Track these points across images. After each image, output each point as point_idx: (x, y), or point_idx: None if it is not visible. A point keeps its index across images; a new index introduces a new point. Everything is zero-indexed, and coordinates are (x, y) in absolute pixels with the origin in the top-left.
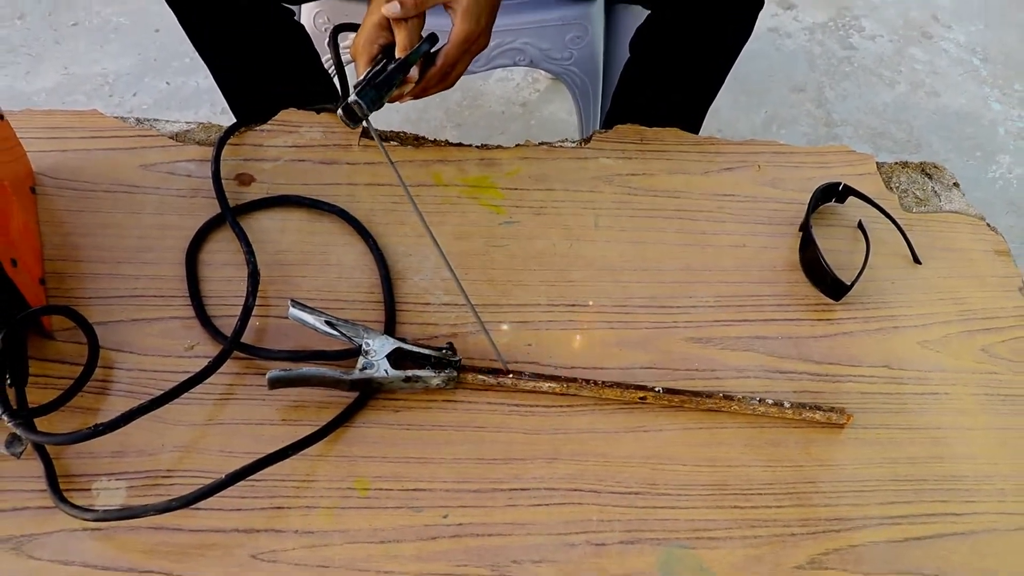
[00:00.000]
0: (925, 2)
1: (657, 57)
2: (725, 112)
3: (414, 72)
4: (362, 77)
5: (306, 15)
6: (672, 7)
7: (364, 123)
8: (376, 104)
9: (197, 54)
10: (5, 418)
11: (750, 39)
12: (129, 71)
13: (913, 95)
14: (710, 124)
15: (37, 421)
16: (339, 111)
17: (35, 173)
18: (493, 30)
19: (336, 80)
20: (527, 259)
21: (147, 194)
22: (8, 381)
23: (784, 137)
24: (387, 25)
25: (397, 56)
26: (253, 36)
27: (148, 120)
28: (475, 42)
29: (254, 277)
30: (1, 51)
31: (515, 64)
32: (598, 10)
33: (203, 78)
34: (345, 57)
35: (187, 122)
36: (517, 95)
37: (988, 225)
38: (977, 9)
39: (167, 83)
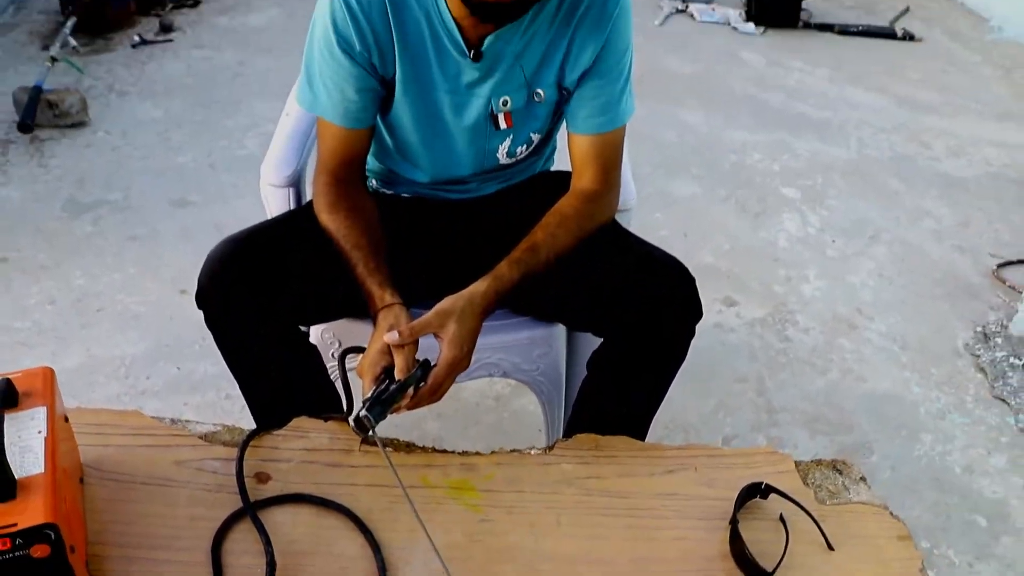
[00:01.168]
0: (850, 298)
1: (609, 377)
2: (677, 401)
3: (410, 390)
4: (369, 395)
5: (315, 332)
6: (620, 338)
7: (370, 433)
8: (381, 417)
9: (207, 343)
10: None
11: (698, 335)
12: (145, 355)
13: (843, 381)
14: (664, 414)
15: None
16: (351, 422)
17: (82, 465)
18: None
19: (342, 392)
20: (501, 552)
21: (179, 488)
22: None
23: (730, 424)
24: (388, 351)
25: (397, 377)
26: (274, 354)
27: (181, 420)
28: (459, 365)
29: (271, 566)
30: (31, 333)
31: (491, 375)
32: (560, 332)
33: (211, 364)
34: (349, 368)
35: (214, 424)
36: (491, 389)
37: (891, 514)
38: (895, 303)
39: (178, 368)
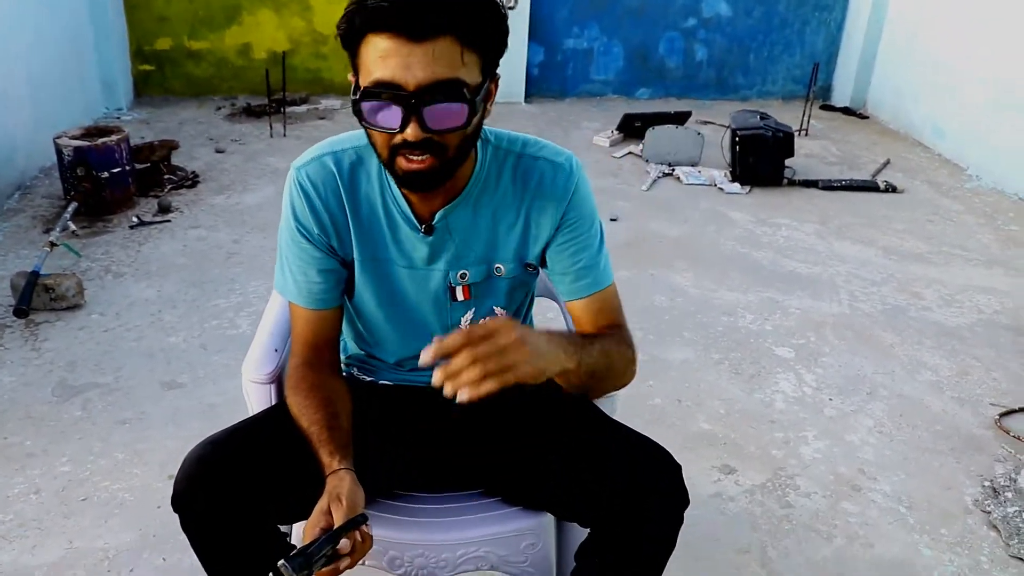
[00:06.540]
0: (851, 458)
1: (596, 567)
2: None
3: (345, 544)
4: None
5: (297, 531)
6: (606, 528)
7: None
8: (304, 568)
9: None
10: None
11: (695, 506)
12: (129, 547)
13: (849, 548)
14: None
15: None
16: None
17: None
18: (456, 541)
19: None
20: None
21: None
22: None
23: None
24: (328, 511)
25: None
26: (253, 557)
27: None
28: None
29: None
30: (13, 525)
31: (478, 568)
32: (549, 523)
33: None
34: None
35: None
36: None
37: None
38: (898, 461)
39: (163, 559)
